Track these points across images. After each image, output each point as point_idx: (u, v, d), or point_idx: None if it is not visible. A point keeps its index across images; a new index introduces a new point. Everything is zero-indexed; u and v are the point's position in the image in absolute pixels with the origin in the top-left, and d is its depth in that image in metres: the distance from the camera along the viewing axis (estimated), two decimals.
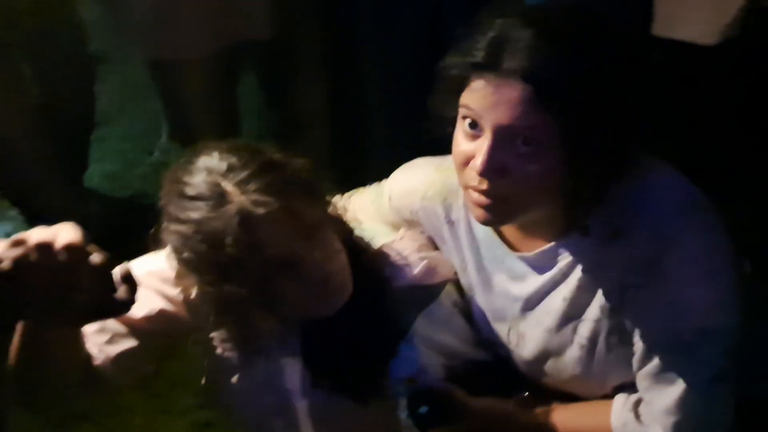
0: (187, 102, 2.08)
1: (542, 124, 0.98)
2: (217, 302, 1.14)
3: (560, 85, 0.96)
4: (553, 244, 1.14)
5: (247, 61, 2.14)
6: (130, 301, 0.92)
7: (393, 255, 1.26)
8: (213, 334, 1.25)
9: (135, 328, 1.19)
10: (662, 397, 1.09)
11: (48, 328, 1.02)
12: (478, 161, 1.01)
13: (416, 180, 1.32)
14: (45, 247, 0.85)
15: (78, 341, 1.14)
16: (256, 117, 2.52)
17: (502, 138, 1.00)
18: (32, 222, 2.31)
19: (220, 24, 1.92)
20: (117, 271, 0.91)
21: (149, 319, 1.20)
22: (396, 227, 1.35)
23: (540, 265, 1.17)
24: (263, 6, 1.94)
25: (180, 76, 2.03)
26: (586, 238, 1.11)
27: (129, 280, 0.92)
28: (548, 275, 1.16)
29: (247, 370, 1.25)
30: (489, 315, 1.26)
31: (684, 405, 1.08)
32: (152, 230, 1.14)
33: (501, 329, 1.25)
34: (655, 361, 1.09)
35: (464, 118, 1.04)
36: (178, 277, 1.19)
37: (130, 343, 1.19)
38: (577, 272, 1.13)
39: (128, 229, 1.18)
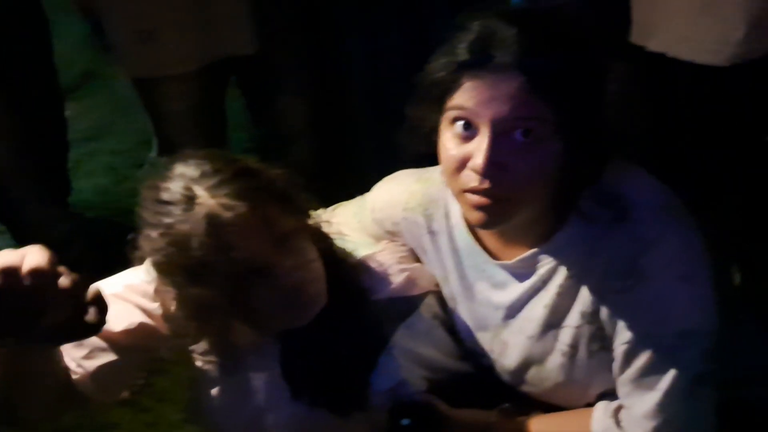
0: (174, 118, 2.08)
1: (538, 112, 1.00)
2: (192, 311, 1.14)
3: (551, 73, 0.99)
4: (533, 251, 1.14)
5: (232, 77, 2.15)
6: (100, 323, 0.91)
7: (373, 266, 1.26)
8: (192, 347, 1.25)
9: (114, 343, 1.18)
10: (642, 401, 1.09)
11: (17, 350, 1.00)
12: (478, 160, 1.01)
13: (397, 191, 1.33)
14: (10, 272, 0.83)
15: (54, 358, 1.13)
16: (245, 132, 2.53)
17: (500, 132, 1.01)
18: (18, 238, 2.32)
19: (204, 40, 1.92)
20: (88, 293, 0.91)
21: (128, 333, 1.19)
22: (379, 240, 1.36)
23: (520, 273, 1.17)
24: (247, 21, 1.95)
25: (165, 93, 2.03)
26: (565, 243, 1.12)
27: (99, 301, 0.91)
28: (529, 283, 1.17)
29: (227, 383, 1.24)
30: (472, 324, 1.26)
31: (664, 409, 1.08)
32: (130, 237, 1.15)
33: (484, 338, 1.26)
34: (635, 366, 1.09)
35: (455, 120, 1.04)
36: (158, 291, 1.19)
37: (108, 357, 1.18)
38: (557, 279, 1.14)
39: (118, 243, 1.19)
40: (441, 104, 1.06)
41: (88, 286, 0.90)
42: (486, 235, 1.21)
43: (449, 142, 1.06)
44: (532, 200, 1.07)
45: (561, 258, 1.13)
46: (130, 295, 1.21)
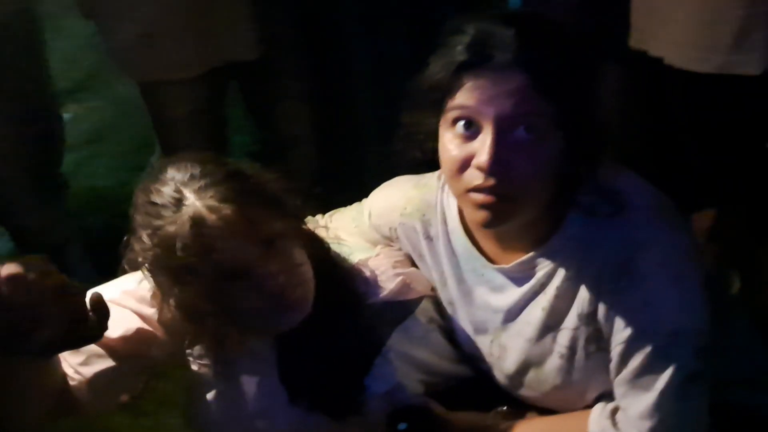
0: (175, 122, 2.08)
1: (540, 109, 1.02)
2: (183, 314, 1.14)
3: (551, 69, 1.01)
4: (530, 254, 1.15)
5: (234, 82, 2.15)
6: (101, 329, 0.91)
7: (368, 271, 1.27)
8: (189, 352, 1.25)
9: (111, 349, 1.18)
10: (638, 402, 1.10)
11: (15, 360, 1.00)
12: (483, 157, 1.02)
13: (395, 197, 1.34)
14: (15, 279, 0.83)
15: (51, 366, 1.13)
16: (248, 135, 2.53)
17: (503, 130, 1.02)
18: (18, 241, 2.32)
19: (206, 45, 1.92)
20: (88, 299, 0.90)
21: (126, 339, 1.19)
22: (376, 245, 1.36)
23: (518, 277, 1.18)
24: (249, 27, 1.95)
25: (166, 97, 2.03)
26: (562, 246, 1.12)
27: (100, 307, 0.91)
28: (527, 286, 1.17)
29: (224, 388, 1.25)
30: (471, 328, 1.27)
31: (658, 409, 1.09)
32: (124, 239, 1.16)
33: (483, 342, 1.26)
34: (630, 367, 1.10)
35: (456, 121, 1.05)
36: (154, 297, 1.19)
37: (105, 363, 1.18)
38: (555, 282, 1.14)
39: (117, 247, 1.19)
40: (440, 107, 1.07)
41: (85, 293, 0.90)
42: (483, 239, 1.21)
43: (450, 143, 1.07)
44: (534, 199, 1.08)
45: (558, 261, 1.14)
46: (127, 301, 1.21)
